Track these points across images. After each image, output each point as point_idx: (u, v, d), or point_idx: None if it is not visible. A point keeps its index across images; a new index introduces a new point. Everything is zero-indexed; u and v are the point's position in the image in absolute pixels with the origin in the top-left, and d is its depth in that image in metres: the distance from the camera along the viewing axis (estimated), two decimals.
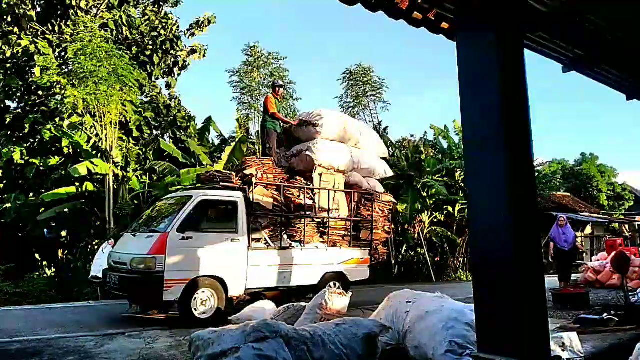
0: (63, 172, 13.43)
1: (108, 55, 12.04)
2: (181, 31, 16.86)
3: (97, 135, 12.63)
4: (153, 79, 16.23)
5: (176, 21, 16.15)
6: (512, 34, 3.21)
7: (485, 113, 3.14)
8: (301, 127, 9.23)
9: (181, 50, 16.62)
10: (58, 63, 13.21)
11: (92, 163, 12.04)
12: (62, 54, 13.82)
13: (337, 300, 5.92)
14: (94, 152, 12.87)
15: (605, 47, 4.50)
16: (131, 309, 7.84)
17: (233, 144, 15.36)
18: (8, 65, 13.94)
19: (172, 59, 16.56)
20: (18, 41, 13.48)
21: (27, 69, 13.85)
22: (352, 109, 19.82)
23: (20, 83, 13.97)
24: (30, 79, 13.60)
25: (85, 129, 13.03)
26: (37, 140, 14.35)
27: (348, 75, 19.68)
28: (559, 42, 4.31)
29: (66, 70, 13.22)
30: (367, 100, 19.46)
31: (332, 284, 8.29)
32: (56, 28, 14.42)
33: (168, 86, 17.11)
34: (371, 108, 19.54)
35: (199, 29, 17.18)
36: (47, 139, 13.73)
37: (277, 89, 9.80)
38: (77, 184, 13.00)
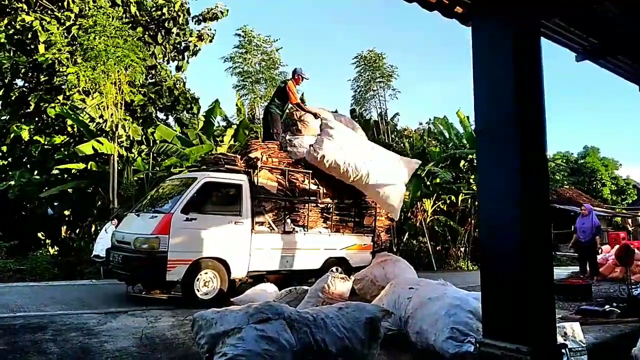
0: (67, 152, 13.44)
1: (117, 33, 11.94)
2: (193, 17, 16.79)
3: (101, 116, 12.59)
4: (159, 60, 16.15)
5: (182, 4, 16.02)
6: (528, 20, 3.13)
7: (499, 102, 3.07)
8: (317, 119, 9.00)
9: (190, 34, 16.54)
10: (62, 40, 13.10)
11: (97, 142, 12.03)
12: (68, 31, 13.70)
13: (340, 285, 5.95)
14: (98, 132, 12.85)
15: (620, 36, 4.41)
16: (132, 290, 7.85)
17: (234, 126, 15.33)
18: (16, 39, 13.83)
19: (183, 43, 16.50)
20: (24, 17, 13.37)
21: (33, 46, 13.75)
22: (363, 94, 19.64)
23: (26, 59, 13.90)
24: (35, 56, 13.51)
25: (89, 108, 12.99)
26: (42, 118, 14.33)
27: (360, 60, 19.33)
28: (574, 29, 4.23)
29: (72, 47, 13.13)
30: (377, 87, 19.24)
31: (334, 268, 8.30)
32: (65, 4, 14.29)
33: (178, 69, 17.04)
34: (381, 95, 19.35)
35: (209, 19, 17.08)
36: (52, 117, 13.71)
37: (300, 77, 9.46)
38: (81, 162, 13.01)
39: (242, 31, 20.06)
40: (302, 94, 19.65)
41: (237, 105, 19.19)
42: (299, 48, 52.84)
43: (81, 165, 12.81)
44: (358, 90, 19.77)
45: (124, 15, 14.02)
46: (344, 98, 51.09)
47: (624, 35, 4.37)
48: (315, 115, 9.02)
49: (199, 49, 17.02)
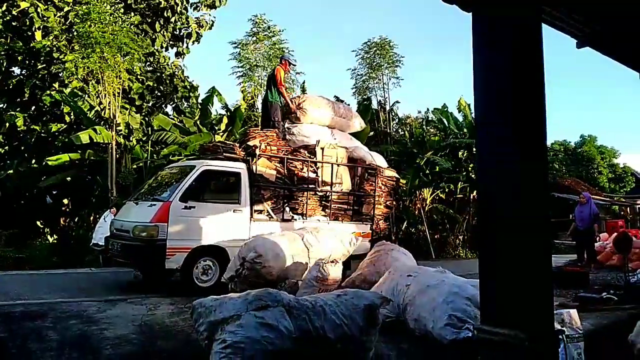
0: (66, 140, 13.38)
1: (114, 21, 11.85)
2: (191, 4, 16.68)
3: (100, 103, 12.51)
4: (158, 47, 16.06)
5: None
6: (528, 7, 3.08)
7: (498, 92, 3.03)
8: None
9: (187, 22, 16.45)
10: (59, 27, 12.99)
11: (94, 131, 11.97)
12: (65, 18, 13.58)
13: (332, 270, 5.99)
14: (96, 120, 12.78)
15: (622, 23, 4.37)
16: (135, 277, 7.88)
17: (228, 113, 15.27)
18: (13, 25, 13.68)
19: (182, 29, 16.42)
20: (18, 2, 13.22)
21: (29, 33, 13.62)
22: (366, 82, 19.47)
23: (22, 47, 13.77)
24: (32, 44, 13.39)
25: (88, 96, 12.92)
26: (38, 106, 14.25)
27: (367, 47, 19.05)
28: (575, 15, 4.18)
29: (69, 35, 13.02)
30: (381, 74, 19.01)
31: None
32: None
33: (178, 55, 16.95)
34: (384, 82, 19.11)
35: (207, 7, 16.97)
36: (48, 105, 13.63)
37: (287, 63, 9.46)
38: (79, 151, 12.97)
39: (256, 17, 19.93)
40: (304, 82, 19.61)
41: (241, 92, 19.15)
42: (300, 38, 52.35)
43: (76, 155, 12.74)
44: (360, 78, 19.62)
45: (119, 3, 13.90)
46: (345, 86, 50.84)
47: (626, 21, 4.33)
48: (291, 108, 9.02)
49: (201, 36, 16.97)
